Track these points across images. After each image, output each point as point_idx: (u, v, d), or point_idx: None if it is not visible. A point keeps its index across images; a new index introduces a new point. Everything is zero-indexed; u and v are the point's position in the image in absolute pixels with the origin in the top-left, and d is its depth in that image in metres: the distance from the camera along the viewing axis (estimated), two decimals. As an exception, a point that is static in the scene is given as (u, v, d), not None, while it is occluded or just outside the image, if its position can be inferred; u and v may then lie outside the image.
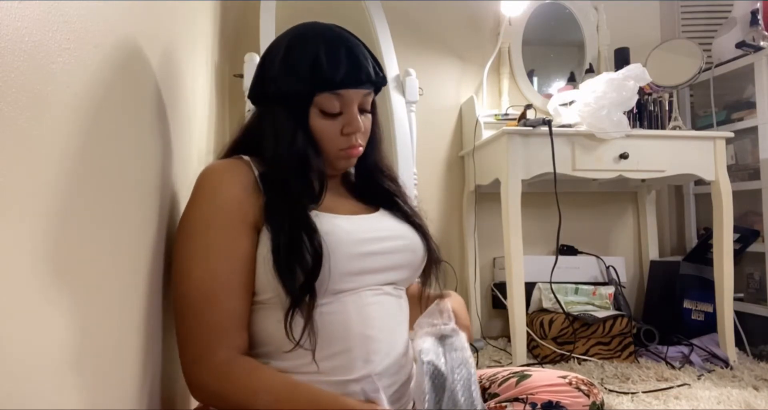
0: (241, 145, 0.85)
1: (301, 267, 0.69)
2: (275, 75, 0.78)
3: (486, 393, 0.79)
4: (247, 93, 1.67)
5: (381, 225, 0.82)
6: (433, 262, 0.86)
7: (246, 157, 0.80)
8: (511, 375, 0.77)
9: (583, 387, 0.72)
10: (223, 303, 0.70)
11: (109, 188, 0.58)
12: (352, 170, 0.92)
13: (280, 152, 0.77)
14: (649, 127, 2.16)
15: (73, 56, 0.48)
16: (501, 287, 2.14)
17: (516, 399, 0.72)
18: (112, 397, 0.57)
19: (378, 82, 0.82)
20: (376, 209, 0.86)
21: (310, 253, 0.69)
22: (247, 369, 0.68)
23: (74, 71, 0.48)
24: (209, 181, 0.76)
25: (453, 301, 0.83)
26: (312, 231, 0.71)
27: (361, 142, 0.82)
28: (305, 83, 0.76)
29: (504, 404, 0.72)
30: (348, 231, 0.76)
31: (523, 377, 0.75)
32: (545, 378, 0.74)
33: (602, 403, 0.73)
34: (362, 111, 0.82)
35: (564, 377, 0.74)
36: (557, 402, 0.70)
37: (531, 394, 0.71)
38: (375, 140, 0.89)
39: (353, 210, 0.83)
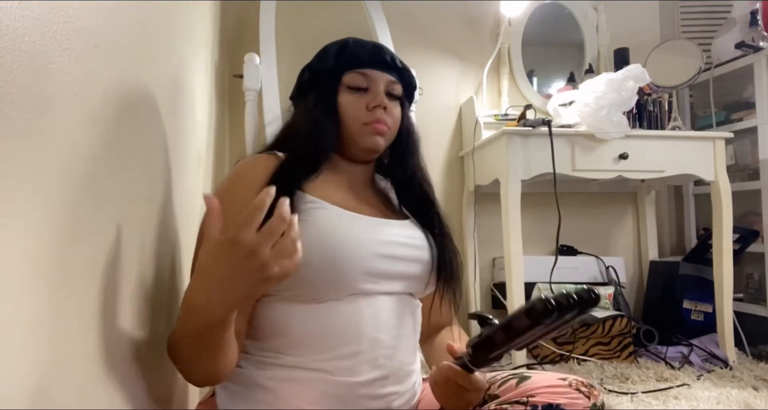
0: (276, 142, 0.89)
1: None
2: (310, 64, 0.88)
3: (486, 395, 0.78)
4: (246, 93, 1.69)
5: (406, 232, 0.82)
6: (446, 282, 0.84)
7: (280, 154, 0.83)
8: (510, 376, 0.77)
9: (583, 389, 0.72)
10: None
11: (109, 188, 0.58)
12: (388, 185, 0.92)
13: (301, 122, 0.84)
14: (649, 128, 2.15)
15: (73, 56, 0.48)
16: (501, 287, 2.14)
17: (517, 402, 0.72)
18: (112, 395, 0.57)
19: (403, 72, 0.88)
20: (405, 217, 0.87)
21: None
22: None
23: (74, 71, 0.48)
24: (240, 166, 0.81)
25: None
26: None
27: (386, 120, 0.84)
28: (333, 63, 0.85)
29: (504, 406, 0.72)
30: (371, 231, 0.77)
31: (522, 378, 0.75)
32: (545, 379, 0.74)
33: (602, 405, 0.73)
34: (390, 96, 0.86)
35: (564, 379, 0.74)
36: (558, 405, 0.70)
37: (531, 396, 0.71)
38: (411, 142, 0.91)
39: (379, 214, 0.83)
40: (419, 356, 0.85)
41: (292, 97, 0.92)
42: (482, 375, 0.72)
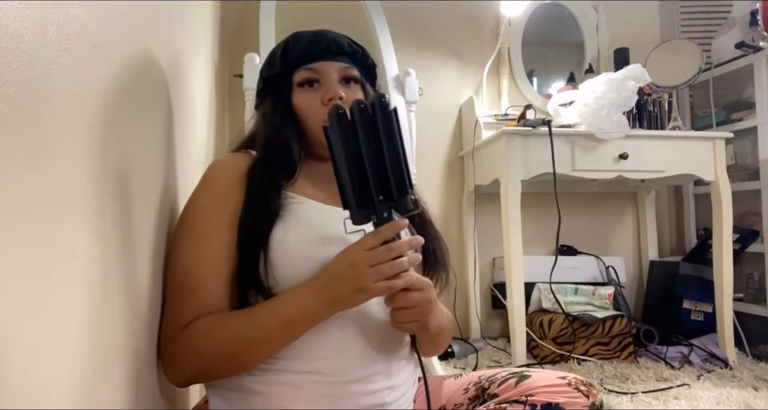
0: (245, 145, 0.88)
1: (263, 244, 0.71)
2: (261, 71, 0.87)
3: (485, 394, 0.79)
4: (246, 93, 1.69)
5: None
6: (432, 268, 0.83)
7: (253, 152, 0.83)
8: (510, 375, 0.77)
9: (582, 388, 0.72)
10: (206, 287, 0.71)
11: (110, 189, 0.58)
12: None
13: (262, 134, 0.82)
14: (649, 128, 2.16)
15: (73, 56, 0.48)
16: (501, 287, 2.14)
17: (516, 401, 0.72)
18: (112, 395, 0.57)
19: (353, 54, 0.84)
20: None
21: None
22: (207, 322, 0.69)
23: (74, 71, 0.48)
24: (211, 172, 0.80)
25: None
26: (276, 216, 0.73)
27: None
28: (281, 65, 0.83)
29: (504, 405, 0.72)
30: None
31: (522, 377, 0.75)
32: (545, 378, 0.74)
33: (601, 404, 0.73)
34: (346, 82, 0.83)
35: (563, 378, 0.74)
36: (557, 404, 0.70)
37: (530, 395, 0.71)
38: None
39: None
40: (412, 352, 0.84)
41: (256, 107, 0.89)
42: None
